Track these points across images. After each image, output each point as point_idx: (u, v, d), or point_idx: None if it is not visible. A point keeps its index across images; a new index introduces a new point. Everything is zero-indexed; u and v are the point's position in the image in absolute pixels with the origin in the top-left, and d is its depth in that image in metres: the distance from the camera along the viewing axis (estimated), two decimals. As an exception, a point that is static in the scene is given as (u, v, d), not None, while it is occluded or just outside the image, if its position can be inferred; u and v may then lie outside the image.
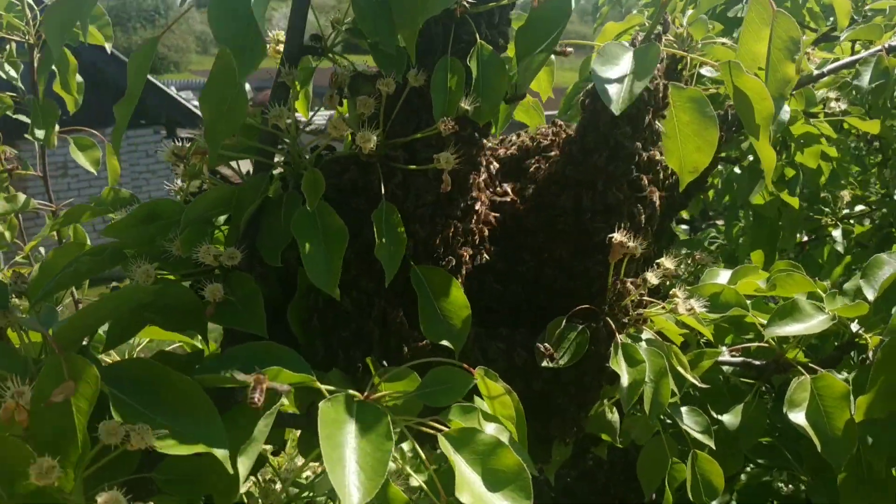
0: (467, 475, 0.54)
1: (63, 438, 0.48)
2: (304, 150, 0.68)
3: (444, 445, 0.55)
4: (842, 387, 0.75)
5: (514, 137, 0.91)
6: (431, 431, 0.58)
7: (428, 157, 0.68)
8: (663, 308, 0.77)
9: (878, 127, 1.33)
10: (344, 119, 0.63)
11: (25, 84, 1.31)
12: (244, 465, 0.51)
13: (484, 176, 0.81)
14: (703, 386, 0.78)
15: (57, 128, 1.23)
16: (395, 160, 0.69)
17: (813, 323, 0.83)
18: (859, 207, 1.72)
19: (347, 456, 0.52)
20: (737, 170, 1.33)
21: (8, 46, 1.28)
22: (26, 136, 1.21)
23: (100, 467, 0.51)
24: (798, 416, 0.75)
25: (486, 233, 0.80)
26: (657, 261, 0.77)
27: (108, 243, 0.66)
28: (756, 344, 0.87)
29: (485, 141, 0.77)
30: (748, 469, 1.32)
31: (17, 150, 1.27)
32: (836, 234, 1.62)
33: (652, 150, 0.81)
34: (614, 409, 0.92)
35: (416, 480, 0.58)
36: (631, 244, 0.74)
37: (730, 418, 0.89)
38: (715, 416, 0.90)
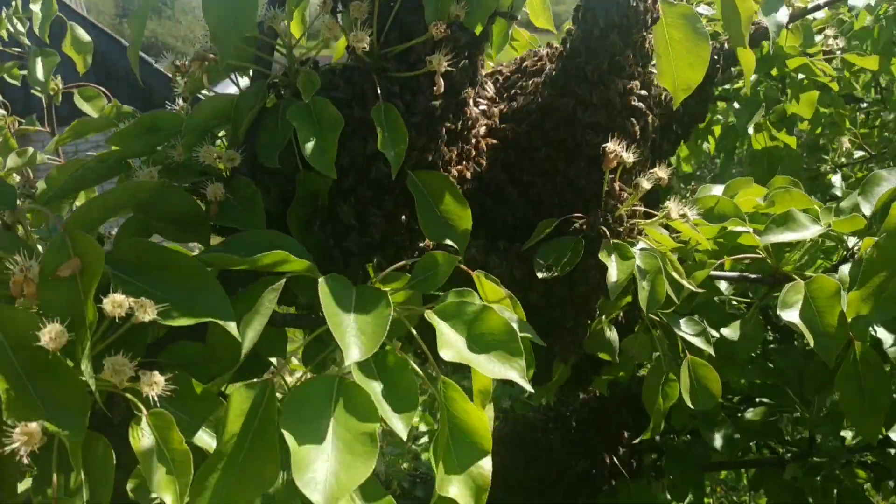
0: (449, 336, 0.56)
1: (70, 312, 0.50)
2: (298, 60, 0.70)
3: (431, 317, 0.57)
4: (833, 285, 0.76)
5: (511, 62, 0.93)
6: (419, 311, 0.60)
7: (421, 66, 0.70)
8: (656, 218, 0.78)
9: (876, 63, 1.33)
10: (337, 21, 0.65)
11: (31, 41, 1.33)
12: (249, 336, 0.53)
13: (482, 94, 0.82)
14: (699, 290, 0.79)
15: (61, 83, 1.25)
16: (389, 70, 0.70)
17: (808, 232, 0.84)
18: (859, 153, 1.72)
19: (348, 321, 0.54)
20: (736, 104, 1.33)
21: (14, 3, 1.30)
22: (33, 90, 1.23)
23: (106, 349, 0.53)
24: (791, 315, 0.77)
25: (484, 149, 0.81)
26: (650, 170, 0.78)
27: (111, 152, 0.68)
28: (753, 255, 0.88)
29: (482, 60, 0.78)
30: (753, 408, 1.33)
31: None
32: (836, 179, 1.62)
33: (645, 68, 0.82)
34: (612, 327, 0.94)
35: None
36: (624, 154, 0.76)
37: (728, 331, 0.90)
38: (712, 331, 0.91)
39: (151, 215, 0.66)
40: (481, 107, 0.81)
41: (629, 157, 0.76)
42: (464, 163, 0.77)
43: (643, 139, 0.81)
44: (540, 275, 0.75)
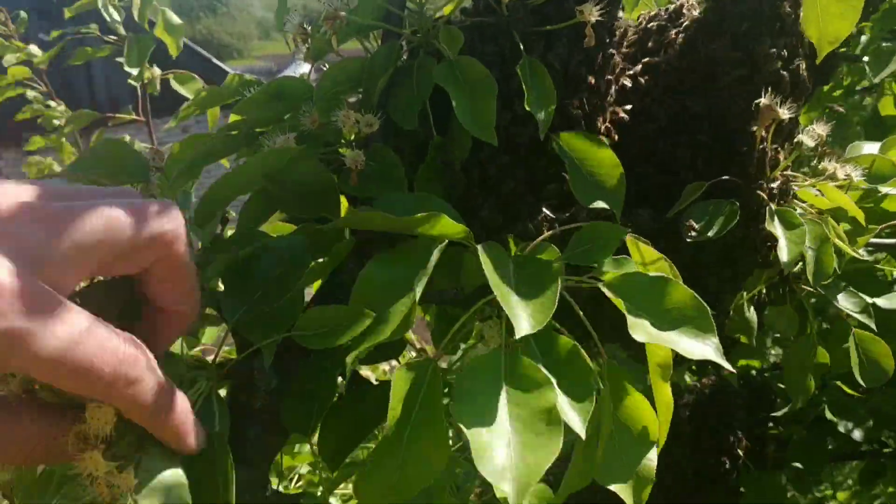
0: (638, 318, 0.50)
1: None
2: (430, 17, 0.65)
3: (609, 293, 0.52)
4: None
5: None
6: (589, 283, 0.54)
7: (560, 18, 0.65)
8: (814, 180, 0.72)
9: None
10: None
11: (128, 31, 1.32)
12: (418, 291, 0.48)
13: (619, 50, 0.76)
14: (865, 258, 0.72)
15: (158, 71, 1.24)
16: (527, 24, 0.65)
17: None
18: None
19: (513, 292, 0.49)
20: (865, 58, 1.24)
21: (107, -9, 1.29)
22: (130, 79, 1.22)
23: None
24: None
25: (625, 112, 0.75)
26: (808, 127, 0.71)
27: (237, 122, 0.64)
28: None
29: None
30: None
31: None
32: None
33: (795, 16, 0.75)
34: (752, 307, 0.87)
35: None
36: (779, 110, 0.69)
37: (885, 301, 0.82)
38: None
39: (278, 187, 0.62)
40: (619, 65, 0.75)
41: (784, 114, 0.69)
42: (607, 123, 0.71)
43: (796, 92, 0.74)
44: (689, 239, 0.69)
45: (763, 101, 0.69)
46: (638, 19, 0.85)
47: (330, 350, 0.52)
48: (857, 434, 1.10)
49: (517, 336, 0.46)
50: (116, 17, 1.21)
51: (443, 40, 0.59)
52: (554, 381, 0.48)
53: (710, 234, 0.69)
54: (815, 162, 0.77)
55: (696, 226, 0.69)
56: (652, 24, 0.81)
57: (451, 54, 0.59)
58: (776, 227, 0.66)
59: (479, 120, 0.58)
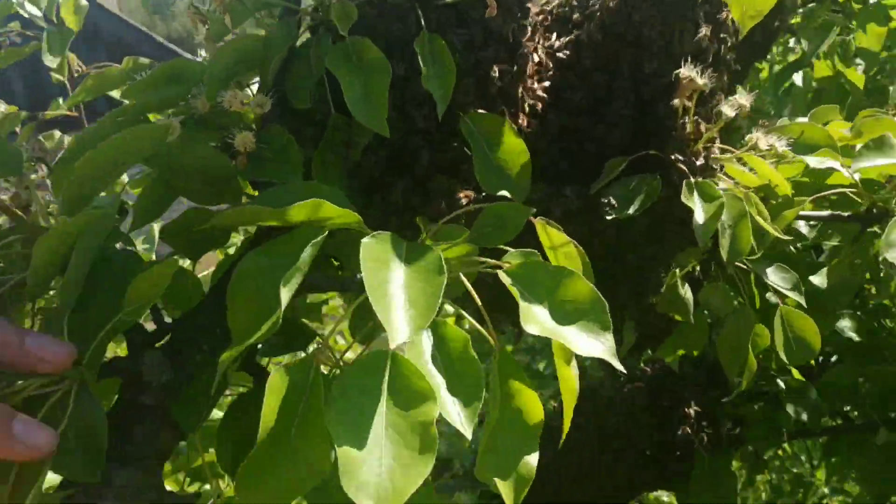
0: (532, 309, 0.48)
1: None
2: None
3: (505, 280, 0.49)
4: (950, 213, 0.67)
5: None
6: (489, 270, 0.52)
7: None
8: (739, 151, 0.70)
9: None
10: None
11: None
12: (285, 295, 0.45)
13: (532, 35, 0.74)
14: (787, 238, 0.70)
15: (78, 63, 1.19)
16: None
17: (906, 159, 0.74)
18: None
19: (393, 291, 0.45)
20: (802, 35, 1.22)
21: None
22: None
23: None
24: None
25: (543, 91, 0.73)
26: (730, 98, 0.69)
27: (127, 107, 0.61)
28: (843, 189, 0.78)
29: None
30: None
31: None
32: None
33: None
34: (686, 284, 0.85)
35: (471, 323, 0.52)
36: (700, 80, 0.67)
37: (818, 279, 0.81)
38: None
39: (176, 174, 0.59)
40: (537, 41, 0.72)
41: (705, 83, 0.67)
42: (522, 105, 0.68)
43: (717, 62, 0.72)
44: (608, 216, 0.66)
45: (682, 71, 0.67)
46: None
47: (223, 344, 0.49)
48: (805, 417, 1.09)
49: (391, 346, 0.43)
50: (36, 11, 1.17)
51: (335, 16, 0.56)
52: (442, 384, 0.45)
53: (630, 210, 0.67)
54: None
55: (615, 203, 0.67)
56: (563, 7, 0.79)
57: (343, 31, 0.56)
58: (694, 201, 0.63)
59: (370, 108, 0.55)
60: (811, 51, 1.10)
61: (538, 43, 0.73)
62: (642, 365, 1.26)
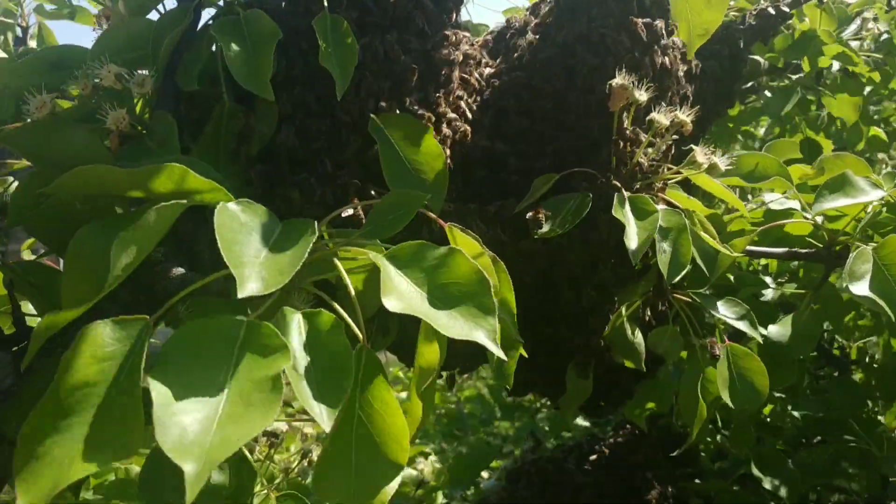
0: (399, 283, 0.41)
1: None
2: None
3: (377, 259, 0.43)
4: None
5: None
6: (364, 251, 0.45)
7: None
8: (680, 166, 0.64)
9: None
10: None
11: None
12: (123, 260, 0.39)
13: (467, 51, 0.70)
14: (738, 256, 0.64)
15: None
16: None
17: (868, 196, 0.69)
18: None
19: (253, 252, 0.40)
20: (767, 93, 1.19)
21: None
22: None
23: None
24: (861, 288, 0.61)
25: (470, 106, 0.68)
26: (666, 108, 0.64)
27: (7, 86, 0.56)
28: (797, 221, 0.72)
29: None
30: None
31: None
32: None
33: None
34: (636, 328, 0.78)
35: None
36: (634, 91, 0.62)
37: (778, 329, 0.74)
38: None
39: (41, 161, 0.53)
40: (465, 51, 0.68)
41: (641, 95, 0.62)
42: (445, 115, 0.63)
43: (659, 80, 0.67)
44: (536, 235, 0.60)
45: (616, 81, 0.62)
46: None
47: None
48: (780, 488, 0.99)
49: (238, 296, 0.37)
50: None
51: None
52: (305, 357, 0.39)
53: (559, 229, 0.61)
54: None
55: (542, 219, 0.61)
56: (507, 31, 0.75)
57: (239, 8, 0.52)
58: (624, 214, 0.57)
59: (252, 70, 0.50)
60: (773, 111, 1.06)
61: (473, 62, 0.68)
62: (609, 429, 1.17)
